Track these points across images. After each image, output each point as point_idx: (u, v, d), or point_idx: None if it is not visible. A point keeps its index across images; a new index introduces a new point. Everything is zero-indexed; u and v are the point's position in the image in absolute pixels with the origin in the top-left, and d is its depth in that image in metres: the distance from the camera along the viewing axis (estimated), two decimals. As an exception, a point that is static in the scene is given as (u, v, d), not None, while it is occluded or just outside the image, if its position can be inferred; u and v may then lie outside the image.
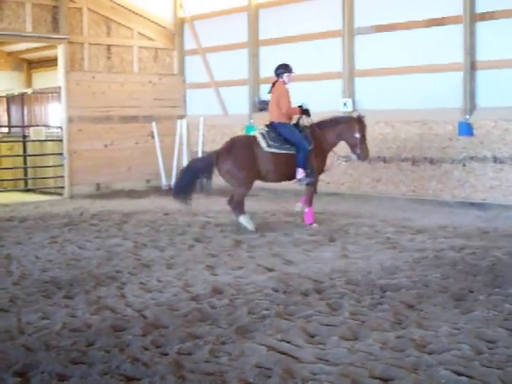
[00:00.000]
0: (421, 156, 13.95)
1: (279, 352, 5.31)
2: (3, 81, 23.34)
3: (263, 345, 5.45)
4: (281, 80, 11.75)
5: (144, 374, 4.94)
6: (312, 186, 11.56)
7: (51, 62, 20.91)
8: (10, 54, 24.09)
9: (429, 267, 8.20)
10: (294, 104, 11.83)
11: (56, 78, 17.66)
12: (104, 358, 5.26)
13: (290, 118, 11.70)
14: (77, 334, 5.86)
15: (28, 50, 22.94)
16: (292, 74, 11.89)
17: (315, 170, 11.55)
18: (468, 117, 13.19)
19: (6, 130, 20.15)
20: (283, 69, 11.77)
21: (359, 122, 11.76)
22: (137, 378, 4.91)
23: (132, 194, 16.85)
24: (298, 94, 16.23)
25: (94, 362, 5.19)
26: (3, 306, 6.86)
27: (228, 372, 4.93)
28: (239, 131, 17.02)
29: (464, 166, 13.29)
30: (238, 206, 11.10)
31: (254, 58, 17.27)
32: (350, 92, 15.24)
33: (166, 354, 5.32)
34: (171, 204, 12.86)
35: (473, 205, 13.02)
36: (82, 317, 6.42)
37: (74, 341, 5.67)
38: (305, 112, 11.78)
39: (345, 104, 15.15)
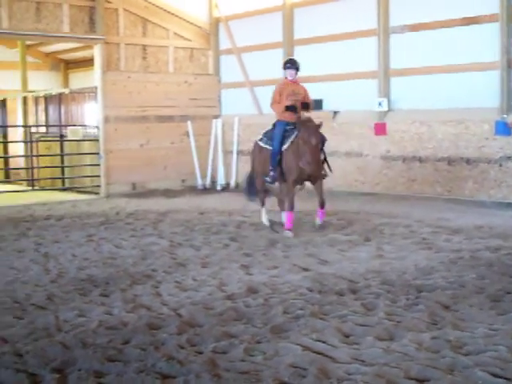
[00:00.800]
0: (457, 156, 13.83)
1: (314, 352, 5.30)
2: (41, 81, 23.63)
3: (298, 344, 5.45)
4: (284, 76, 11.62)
5: (179, 373, 4.97)
6: (286, 187, 11.25)
7: (88, 63, 21.13)
8: (48, 54, 24.40)
9: (465, 268, 8.13)
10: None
11: (92, 78, 17.83)
12: (140, 355, 5.30)
13: (287, 115, 11.27)
14: (113, 332, 5.91)
15: (65, 51, 23.22)
16: (296, 72, 11.45)
17: (288, 169, 10.98)
18: (505, 116, 13.05)
19: (44, 129, 20.40)
20: (287, 64, 11.60)
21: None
22: (172, 376, 4.94)
23: (167, 193, 16.95)
24: (333, 93, 16.32)
25: (130, 359, 5.23)
26: (41, 304, 6.94)
27: (263, 371, 4.94)
28: (274, 131, 17.04)
29: (501, 165, 13.15)
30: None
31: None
32: (385, 91, 15.16)
33: (201, 353, 5.34)
34: (206, 203, 12.92)
35: (509, 205, 12.88)
36: (118, 315, 6.48)
37: (111, 338, 5.72)
38: (291, 109, 11.18)
39: (380, 104, 15.09)
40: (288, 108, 11.17)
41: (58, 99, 19.67)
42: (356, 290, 7.19)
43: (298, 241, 10.15)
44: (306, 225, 11.58)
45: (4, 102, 21.78)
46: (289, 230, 10.76)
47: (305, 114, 11.38)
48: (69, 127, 18.04)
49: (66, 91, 19.74)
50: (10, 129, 21.10)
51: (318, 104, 16.63)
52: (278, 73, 17.30)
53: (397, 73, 15.06)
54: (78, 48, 21.61)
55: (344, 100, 16.04)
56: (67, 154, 17.88)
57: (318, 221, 11.17)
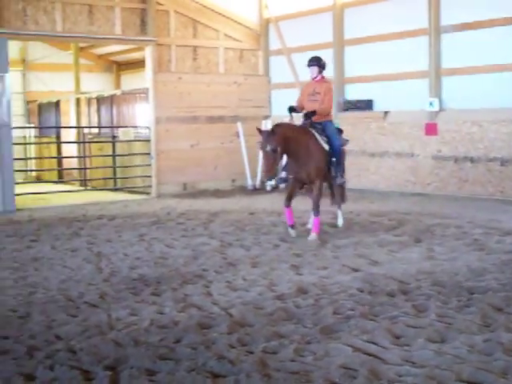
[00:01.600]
0: (509, 156, 13.64)
1: (365, 353, 5.29)
2: (94, 82, 23.95)
3: (348, 345, 5.45)
4: None
5: (230, 372, 5.00)
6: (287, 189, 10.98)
7: (139, 64, 21.35)
8: (100, 56, 24.72)
9: (518, 270, 8.02)
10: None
11: (143, 79, 18.02)
12: (191, 354, 5.35)
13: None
14: (164, 331, 5.98)
15: (117, 53, 23.49)
16: (318, 69, 10.92)
17: (289, 172, 10.88)
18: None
19: (96, 130, 20.69)
20: (309, 62, 11.08)
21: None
22: (223, 375, 4.97)
23: (217, 193, 17.04)
24: (384, 93, 16.23)
25: (181, 358, 5.28)
26: (94, 302, 7.05)
27: (313, 372, 4.95)
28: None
29: (555, 166, 12.94)
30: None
31: (339, 58, 17.22)
32: (436, 91, 15.01)
33: (252, 353, 5.37)
34: (256, 203, 12.95)
35: None
36: (169, 314, 6.54)
37: (162, 337, 5.79)
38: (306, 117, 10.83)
39: (431, 103, 14.95)
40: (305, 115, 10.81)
41: (110, 100, 19.93)
42: (407, 291, 7.14)
43: (347, 241, 10.12)
44: (356, 225, 11.54)
45: (57, 103, 22.15)
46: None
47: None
48: (120, 128, 18.24)
49: (118, 92, 19.99)
50: (63, 130, 21.43)
51: (369, 104, 16.59)
52: (328, 73, 17.30)
53: (448, 72, 14.91)
54: (130, 50, 21.84)
55: (395, 100, 15.94)
56: (119, 155, 18.10)
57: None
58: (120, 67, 25.47)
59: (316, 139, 10.61)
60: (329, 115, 11.06)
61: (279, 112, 18.67)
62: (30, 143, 22.07)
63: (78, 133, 20.66)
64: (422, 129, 15.13)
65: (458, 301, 6.73)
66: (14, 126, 15.65)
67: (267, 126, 18.44)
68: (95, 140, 19.74)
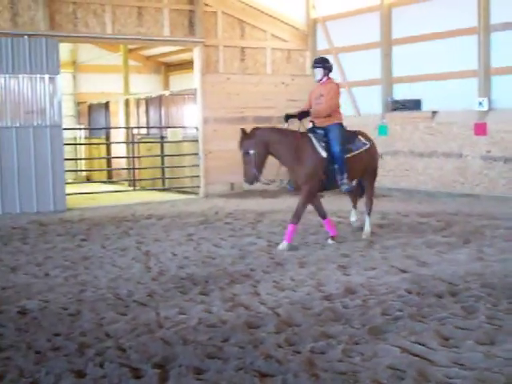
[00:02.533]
0: (562, 156, 13.43)
1: (413, 354, 5.26)
2: (142, 83, 24.19)
3: (396, 346, 5.42)
4: None
5: (277, 371, 5.02)
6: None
7: (187, 65, 21.51)
8: (148, 57, 24.95)
9: None
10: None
11: (191, 80, 18.14)
12: (239, 353, 5.38)
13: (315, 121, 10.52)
14: (212, 330, 6.02)
15: (165, 54, 23.70)
16: (323, 71, 10.40)
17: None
18: None
19: (145, 130, 20.90)
20: (313, 63, 10.67)
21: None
22: (270, 374, 4.98)
23: (265, 193, 17.05)
24: (432, 93, 16.08)
25: (229, 357, 5.31)
26: (143, 301, 7.13)
27: (361, 372, 4.93)
28: (372, 131, 16.94)
29: None
30: None
31: (387, 58, 17.12)
32: (485, 91, 14.82)
33: (299, 352, 5.38)
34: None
35: None
36: (217, 313, 6.59)
37: (210, 336, 5.83)
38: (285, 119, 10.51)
39: (480, 103, 14.77)
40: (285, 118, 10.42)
41: (158, 101, 20.11)
42: (456, 293, 7.07)
43: (395, 242, 10.06)
44: (404, 226, 11.47)
45: (107, 104, 22.43)
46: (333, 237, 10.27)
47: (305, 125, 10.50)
48: (169, 129, 18.39)
49: (166, 93, 20.16)
50: (112, 130, 21.70)
51: (417, 104, 16.45)
52: (376, 73, 17.28)
53: (498, 71, 14.71)
54: (178, 51, 22.03)
55: (443, 100, 15.79)
56: (167, 155, 18.25)
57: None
58: (168, 68, 25.67)
59: (311, 144, 10.05)
60: (334, 117, 10.32)
61: (326, 112, 18.65)
62: (80, 144, 22.39)
63: (127, 133, 20.89)
64: (471, 129, 14.95)
65: (508, 303, 6.64)
66: (64, 126, 15.89)
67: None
68: (144, 140, 19.94)
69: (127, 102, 21.72)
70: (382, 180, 16.24)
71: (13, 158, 14.40)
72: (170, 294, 7.41)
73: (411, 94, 16.71)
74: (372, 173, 10.96)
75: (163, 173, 18.54)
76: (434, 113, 15.95)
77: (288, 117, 10.42)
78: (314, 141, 10.11)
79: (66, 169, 15.99)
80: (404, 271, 8.16)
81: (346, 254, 9.30)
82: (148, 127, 20.57)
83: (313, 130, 10.35)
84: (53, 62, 14.85)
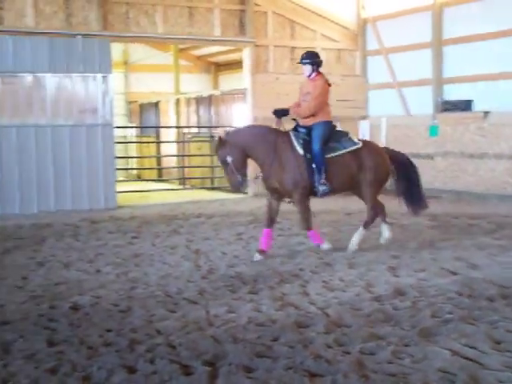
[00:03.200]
0: None
1: (463, 357, 5.21)
2: (193, 83, 24.34)
3: (447, 349, 5.37)
4: None
5: (327, 371, 5.02)
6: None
7: (236, 65, 21.57)
8: (199, 57, 25.11)
9: None
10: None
11: (241, 79, 18.20)
12: (288, 353, 5.39)
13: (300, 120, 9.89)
14: (262, 329, 6.05)
15: (216, 54, 23.81)
16: (311, 67, 9.66)
17: None
18: None
19: (195, 130, 21.04)
20: (301, 59, 9.86)
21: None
22: (320, 374, 4.99)
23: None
24: (484, 93, 15.87)
25: (279, 356, 5.33)
26: (192, 298, 7.19)
27: (411, 374, 4.91)
28: (422, 132, 16.83)
29: None
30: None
31: (438, 58, 16.97)
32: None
33: (349, 353, 5.37)
34: (352, 205, 12.90)
35: None
36: (266, 312, 6.61)
37: (260, 335, 5.86)
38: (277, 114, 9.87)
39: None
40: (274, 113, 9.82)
41: (208, 101, 20.23)
42: (507, 296, 6.98)
43: (446, 244, 9.96)
44: (454, 227, 11.36)
45: (157, 103, 22.64)
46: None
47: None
48: (219, 128, 18.48)
49: (217, 93, 20.26)
50: (162, 129, 21.89)
51: (468, 105, 16.27)
52: (426, 73, 17.12)
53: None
54: (228, 51, 22.11)
55: (495, 100, 15.58)
56: (216, 155, 18.31)
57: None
58: (218, 68, 25.80)
59: (291, 143, 9.49)
60: (319, 115, 9.62)
61: (376, 113, 18.59)
62: (131, 142, 22.64)
63: (178, 132, 21.06)
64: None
65: (561, 307, 6.55)
66: (116, 125, 16.09)
67: (365, 126, 18.39)
68: (194, 139, 20.07)
69: (177, 102, 21.88)
70: (433, 181, 16.10)
71: (66, 155, 14.63)
72: (219, 292, 7.46)
73: (462, 95, 16.53)
74: (372, 176, 9.71)
75: (213, 172, 18.64)
76: (486, 113, 15.74)
77: (279, 113, 9.77)
78: (293, 139, 9.50)
79: (117, 167, 16.17)
80: (454, 273, 8.08)
81: (396, 255, 9.23)
82: (198, 126, 20.70)
83: (295, 128, 9.72)
84: (105, 62, 15.06)
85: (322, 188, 9.44)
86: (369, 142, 10.36)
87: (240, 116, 18.60)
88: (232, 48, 20.13)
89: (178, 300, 7.16)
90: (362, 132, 18.41)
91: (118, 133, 17.74)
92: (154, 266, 8.93)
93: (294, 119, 9.84)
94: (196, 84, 24.57)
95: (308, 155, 9.40)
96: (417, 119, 17.38)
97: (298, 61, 9.88)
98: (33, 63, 14.39)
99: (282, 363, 5.17)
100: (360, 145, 9.73)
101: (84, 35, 15.04)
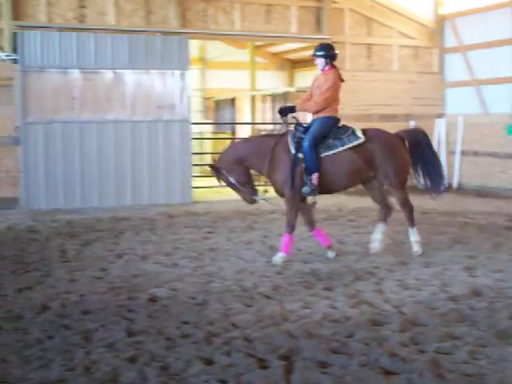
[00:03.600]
0: None
1: (542, 359, 5.16)
2: (268, 80, 24.42)
3: (525, 351, 5.32)
4: None
5: (402, 369, 5.03)
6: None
7: (311, 62, 21.51)
8: (274, 54, 25.15)
9: None
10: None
11: (316, 76, 18.18)
12: (363, 350, 5.42)
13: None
14: (336, 325, 6.09)
15: (291, 51, 23.82)
16: (324, 60, 9.27)
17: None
18: None
19: (270, 126, 21.11)
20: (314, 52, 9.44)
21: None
22: (395, 372, 5.00)
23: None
24: None
25: (354, 353, 5.36)
26: (267, 293, 7.28)
27: (488, 375, 4.87)
28: (500, 131, 16.52)
29: None
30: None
31: (519, 55, 16.64)
32: None
33: (424, 352, 5.36)
34: (427, 203, 12.75)
35: None
36: (341, 309, 6.64)
37: (334, 331, 5.89)
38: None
39: None
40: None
41: (283, 98, 20.29)
42: None
43: (524, 245, 9.81)
44: (533, 229, 11.16)
45: (233, 100, 22.82)
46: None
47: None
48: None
49: (292, 90, 20.31)
50: (238, 125, 22.05)
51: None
52: (506, 71, 16.79)
53: None
54: (304, 48, 22.09)
55: None
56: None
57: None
58: (293, 65, 25.80)
59: (287, 144, 9.13)
60: (323, 111, 9.20)
61: (453, 111, 18.32)
62: (207, 138, 22.88)
63: (253, 129, 21.18)
64: None
65: None
66: (192, 121, 16.30)
67: (441, 124, 18.16)
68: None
69: (253, 98, 22.01)
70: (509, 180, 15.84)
71: (143, 151, 14.92)
72: (294, 288, 7.52)
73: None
74: (388, 167, 9.18)
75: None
76: None
77: (285, 111, 9.46)
78: (289, 138, 9.15)
79: (193, 163, 16.36)
80: (533, 275, 7.96)
81: (472, 255, 9.12)
82: (273, 123, 20.77)
83: (295, 127, 9.39)
84: (183, 59, 15.29)
85: (304, 188, 9.01)
86: (377, 131, 9.60)
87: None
88: (308, 45, 20.14)
89: (253, 295, 7.25)
90: (438, 130, 18.20)
91: (193, 129, 17.94)
92: (230, 260, 9.04)
93: (295, 117, 9.44)
94: (271, 81, 24.63)
95: (300, 154, 9.00)
96: (495, 118, 17.06)
97: (312, 53, 9.42)
98: (113, 60, 14.71)
99: (357, 360, 5.20)
100: (362, 139, 9.10)
101: (163, 33, 15.29)
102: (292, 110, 9.38)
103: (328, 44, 9.57)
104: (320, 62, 9.28)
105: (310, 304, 6.82)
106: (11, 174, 14.26)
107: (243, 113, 22.37)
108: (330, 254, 9.14)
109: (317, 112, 9.24)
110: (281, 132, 9.52)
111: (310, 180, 8.96)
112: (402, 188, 9.39)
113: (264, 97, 21.50)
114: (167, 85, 15.20)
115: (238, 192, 9.37)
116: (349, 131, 9.21)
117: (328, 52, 9.27)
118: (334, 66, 9.32)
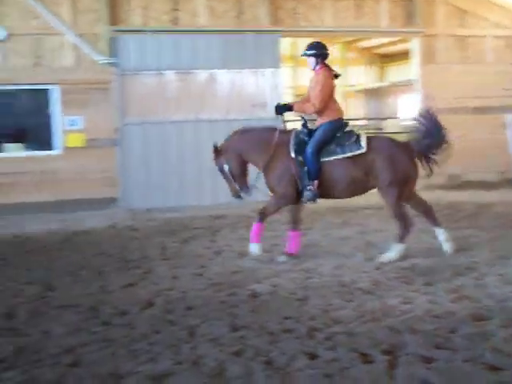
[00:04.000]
0: None
1: None
2: (358, 75, 24.33)
3: None
4: None
5: (507, 365, 4.97)
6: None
7: (402, 56, 21.38)
8: (364, 49, 25.05)
9: None
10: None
11: (407, 70, 18.03)
12: (467, 345, 5.38)
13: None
14: (439, 320, 6.05)
15: (381, 45, 23.69)
16: (315, 60, 9.14)
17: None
18: None
19: (362, 122, 21.07)
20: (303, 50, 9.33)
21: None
22: (500, 367, 4.94)
23: (484, 185, 16.57)
24: None
25: (457, 348, 5.33)
26: (367, 289, 7.30)
27: None
28: None
29: None
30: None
31: None
32: None
33: (530, 347, 5.30)
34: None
35: None
36: (442, 304, 6.59)
37: (437, 326, 5.86)
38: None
39: None
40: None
41: (375, 92, 20.20)
42: None
43: None
44: None
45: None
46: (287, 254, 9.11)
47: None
48: (387, 119, 18.42)
49: (384, 84, 20.18)
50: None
51: None
52: None
53: None
54: (394, 42, 21.95)
55: None
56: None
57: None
58: (383, 59, 25.62)
59: (288, 145, 9.03)
60: (325, 114, 9.08)
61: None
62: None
63: (345, 124, 21.14)
64: None
65: None
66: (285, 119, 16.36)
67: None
68: (361, 131, 20.08)
69: (345, 94, 21.97)
70: None
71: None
72: (393, 283, 7.51)
73: None
74: (384, 176, 8.84)
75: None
76: None
77: (280, 110, 9.39)
78: (291, 139, 9.05)
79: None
80: None
81: None
82: (366, 118, 20.73)
83: (302, 127, 9.25)
84: (275, 57, 15.44)
85: (306, 193, 8.89)
86: (382, 141, 9.34)
87: (407, 107, 18.45)
88: (397, 39, 19.99)
89: (352, 290, 7.28)
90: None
91: (287, 126, 18.06)
92: (327, 256, 9.08)
93: (302, 117, 9.31)
94: (361, 76, 24.54)
95: (300, 158, 8.89)
96: None
97: (301, 53, 9.32)
98: (207, 60, 14.97)
99: (461, 355, 5.17)
100: (363, 150, 8.85)
101: (254, 32, 15.45)
102: (289, 109, 9.30)
103: (319, 43, 9.32)
104: (310, 61, 9.13)
105: (410, 299, 6.79)
106: (110, 175, 14.70)
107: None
108: (281, 258, 8.97)
109: (321, 114, 9.09)
110: (283, 128, 9.40)
111: (311, 186, 8.87)
112: (395, 200, 8.95)
113: (356, 92, 21.43)
114: (259, 83, 15.37)
115: (228, 182, 9.31)
116: (352, 138, 8.96)
117: (318, 51, 9.10)
118: (325, 65, 9.14)
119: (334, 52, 23.61)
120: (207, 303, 6.96)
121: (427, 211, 9.20)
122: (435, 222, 9.11)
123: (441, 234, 9.01)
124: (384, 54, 25.29)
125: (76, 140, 14.62)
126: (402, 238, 8.83)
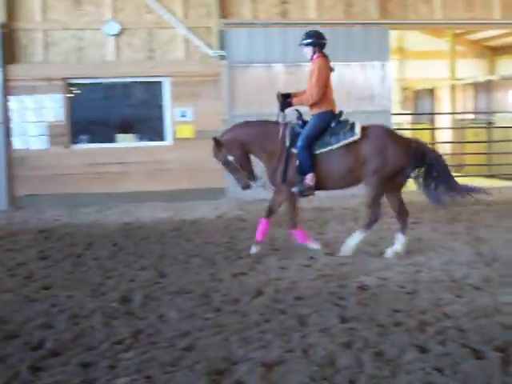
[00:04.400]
0: None
1: None
2: (467, 68, 23.80)
3: None
4: None
5: None
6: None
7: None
8: (473, 41, 24.46)
9: None
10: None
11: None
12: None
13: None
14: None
15: (491, 38, 23.07)
16: (312, 49, 9.02)
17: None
18: None
19: (471, 116, 20.64)
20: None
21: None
22: None
23: None
24: None
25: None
26: (477, 285, 7.20)
27: None
28: None
29: None
30: None
31: None
32: None
33: None
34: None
35: None
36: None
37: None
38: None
39: None
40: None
41: (485, 86, 19.74)
42: None
43: None
44: None
45: (432, 90, 22.48)
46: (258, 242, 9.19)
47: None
48: (497, 114, 18.00)
49: (495, 78, 19.70)
50: (437, 116, 21.73)
51: None
52: None
53: None
54: (506, 34, 21.35)
55: None
56: (494, 141, 17.85)
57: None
58: (494, 52, 24.95)
59: (284, 137, 8.93)
60: (318, 105, 8.93)
61: None
62: (406, 129, 22.70)
63: (453, 119, 20.78)
64: None
65: None
66: (392, 112, 16.29)
67: None
68: (470, 126, 19.70)
69: (453, 88, 21.58)
70: None
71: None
72: (505, 280, 7.38)
73: None
74: (369, 166, 8.70)
75: (490, 159, 18.18)
76: None
77: (283, 105, 9.13)
78: (287, 132, 8.94)
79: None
80: None
81: None
82: (474, 112, 20.30)
83: (296, 119, 9.07)
84: (383, 50, 15.35)
85: (296, 188, 8.85)
86: (378, 129, 9.09)
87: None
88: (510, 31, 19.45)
89: (462, 286, 7.20)
90: None
91: (393, 119, 17.92)
92: (436, 251, 8.99)
93: (297, 110, 9.07)
94: (470, 69, 23.97)
95: (294, 150, 8.80)
96: None
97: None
98: (314, 53, 14.99)
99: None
100: (356, 137, 8.70)
101: (363, 24, 15.38)
102: (289, 105, 9.09)
103: (315, 31, 9.19)
104: (307, 51, 9.01)
105: (524, 296, 6.69)
106: (219, 166, 14.89)
107: (442, 103, 21.98)
108: (253, 249, 9.10)
109: (313, 106, 8.95)
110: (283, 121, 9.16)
111: (303, 180, 8.78)
112: (375, 188, 8.78)
113: (465, 86, 21.01)
114: (367, 76, 15.30)
115: (234, 173, 9.22)
116: (347, 126, 8.83)
117: (315, 40, 8.97)
118: (322, 55, 8.96)
119: (442, 45, 23.23)
120: (317, 294, 7.01)
121: (402, 215, 9.00)
122: (403, 229, 8.92)
123: (399, 240, 8.82)
124: (494, 47, 24.65)
125: (186, 131, 14.94)
126: (368, 227, 8.86)
